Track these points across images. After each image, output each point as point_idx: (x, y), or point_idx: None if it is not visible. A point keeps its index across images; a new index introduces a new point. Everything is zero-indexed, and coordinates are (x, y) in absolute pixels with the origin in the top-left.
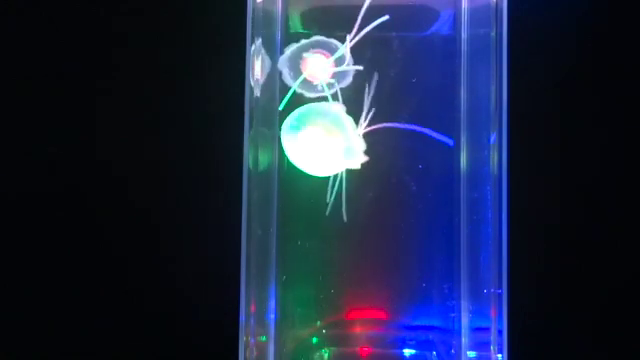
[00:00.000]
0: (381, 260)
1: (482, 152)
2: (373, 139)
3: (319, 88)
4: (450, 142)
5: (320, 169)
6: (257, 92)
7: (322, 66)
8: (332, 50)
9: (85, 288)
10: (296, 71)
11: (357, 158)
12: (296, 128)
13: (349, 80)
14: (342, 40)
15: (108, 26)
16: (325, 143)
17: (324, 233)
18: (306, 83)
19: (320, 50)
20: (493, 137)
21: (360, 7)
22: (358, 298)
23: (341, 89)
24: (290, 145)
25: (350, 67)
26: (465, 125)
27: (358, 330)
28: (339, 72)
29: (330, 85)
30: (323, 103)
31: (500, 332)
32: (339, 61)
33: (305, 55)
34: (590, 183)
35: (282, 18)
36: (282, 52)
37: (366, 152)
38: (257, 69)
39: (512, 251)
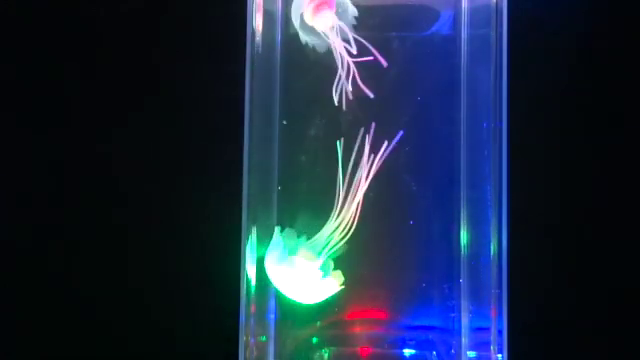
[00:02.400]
0: (381, 260)
1: (482, 152)
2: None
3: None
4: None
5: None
6: (257, 91)
7: (327, 17)
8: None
9: (84, 288)
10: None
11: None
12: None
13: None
14: None
15: (108, 26)
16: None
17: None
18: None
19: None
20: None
21: (360, 6)
22: (358, 298)
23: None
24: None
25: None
26: (465, 125)
27: (358, 330)
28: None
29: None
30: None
31: (500, 332)
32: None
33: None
34: (591, 183)
35: (282, 18)
36: (282, 52)
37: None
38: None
39: (512, 251)
